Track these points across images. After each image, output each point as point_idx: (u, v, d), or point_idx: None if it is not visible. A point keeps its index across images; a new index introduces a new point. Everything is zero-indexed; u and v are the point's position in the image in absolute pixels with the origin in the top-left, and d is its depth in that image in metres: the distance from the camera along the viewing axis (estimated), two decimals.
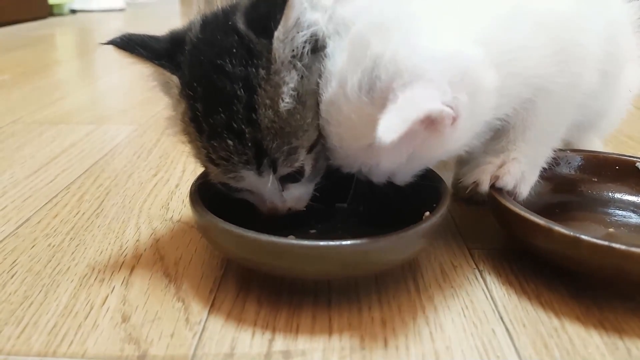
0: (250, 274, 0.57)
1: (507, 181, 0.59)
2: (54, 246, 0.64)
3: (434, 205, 0.55)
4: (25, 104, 1.30)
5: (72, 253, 0.62)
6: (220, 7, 0.57)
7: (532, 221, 0.54)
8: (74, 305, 0.53)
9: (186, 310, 0.52)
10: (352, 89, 0.49)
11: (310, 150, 0.54)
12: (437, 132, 0.47)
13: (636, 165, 0.69)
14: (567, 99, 0.59)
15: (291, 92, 0.51)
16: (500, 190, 0.59)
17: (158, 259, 0.61)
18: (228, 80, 0.50)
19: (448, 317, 0.51)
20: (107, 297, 0.54)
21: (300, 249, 0.49)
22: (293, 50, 0.52)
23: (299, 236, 0.56)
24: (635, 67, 0.69)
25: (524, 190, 0.60)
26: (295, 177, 0.56)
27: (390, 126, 0.42)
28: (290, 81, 0.52)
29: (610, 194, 0.69)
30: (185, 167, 0.89)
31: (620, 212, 0.66)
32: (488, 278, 0.57)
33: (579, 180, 0.70)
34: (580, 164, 0.70)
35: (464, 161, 0.64)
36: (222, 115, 0.50)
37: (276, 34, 0.50)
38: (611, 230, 0.63)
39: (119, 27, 3.21)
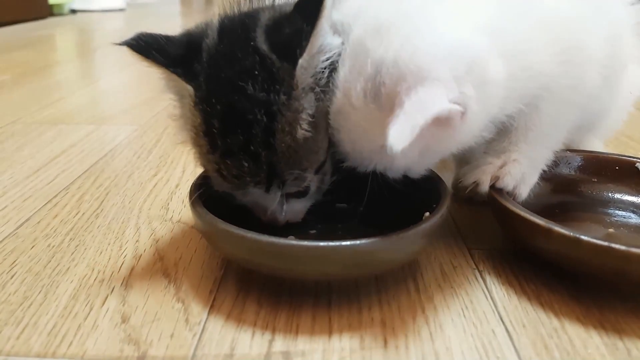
0: (250, 274, 0.57)
1: (507, 182, 0.59)
2: (53, 247, 0.64)
3: (434, 205, 0.55)
4: (25, 105, 1.30)
5: (72, 253, 0.62)
6: (237, 12, 0.57)
7: (532, 222, 0.54)
8: (73, 306, 0.53)
9: (186, 310, 0.52)
10: (358, 98, 0.49)
11: (317, 171, 0.55)
12: (447, 127, 0.47)
13: (636, 165, 0.69)
14: (569, 101, 0.59)
15: (309, 118, 0.51)
16: (500, 190, 0.59)
17: (158, 259, 0.61)
18: (249, 103, 0.50)
19: (448, 318, 0.51)
20: (106, 297, 0.54)
21: (300, 250, 0.49)
22: (314, 76, 0.52)
23: (299, 236, 0.56)
24: (637, 69, 0.69)
25: (524, 192, 0.60)
26: (299, 194, 0.56)
27: (400, 134, 0.42)
28: (308, 107, 0.51)
29: (610, 194, 0.69)
30: (185, 167, 0.89)
31: (620, 213, 0.66)
32: (488, 278, 0.57)
33: (579, 180, 0.70)
34: (580, 164, 0.70)
35: (464, 161, 0.64)
36: (240, 136, 0.50)
37: (301, 61, 0.50)
38: (611, 230, 0.63)
39: (119, 27, 3.22)
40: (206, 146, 0.53)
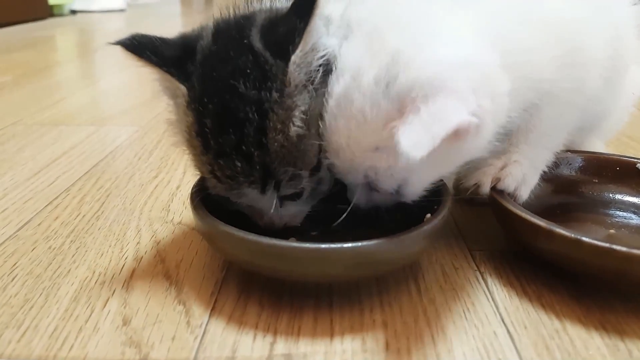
0: (251, 276, 0.57)
1: (508, 183, 0.59)
2: (54, 249, 0.64)
3: (435, 207, 0.55)
4: (26, 106, 1.30)
5: (73, 256, 0.62)
6: (232, 15, 0.57)
7: (533, 223, 0.54)
8: (74, 309, 0.53)
9: (187, 313, 0.52)
10: (368, 82, 0.48)
11: (311, 174, 0.54)
12: (458, 140, 0.46)
13: (637, 166, 0.68)
14: (571, 103, 0.58)
15: (302, 115, 0.51)
16: (501, 191, 0.59)
17: (159, 261, 0.61)
18: (241, 102, 0.50)
19: (449, 319, 0.51)
20: (107, 300, 0.54)
21: (302, 252, 0.49)
22: (307, 74, 0.51)
23: (300, 238, 0.56)
24: (639, 70, 0.69)
25: (524, 193, 0.60)
26: (294, 196, 0.56)
27: (418, 142, 0.42)
28: (301, 105, 0.51)
29: (611, 195, 0.69)
30: (186, 168, 0.89)
31: (621, 213, 0.66)
32: (489, 280, 0.57)
33: (580, 181, 0.70)
34: (580, 165, 0.70)
35: (465, 163, 0.64)
36: (232, 136, 0.50)
37: (293, 57, 0.50)
38: (612, 231, 0.63)
39: (119, 27, 3.21)
40: (199, 147, 0.53)
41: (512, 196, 0.59)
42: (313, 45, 0.51)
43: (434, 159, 0.48)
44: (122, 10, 3.85)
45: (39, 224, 0.70)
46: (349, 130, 0.50)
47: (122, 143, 1.03)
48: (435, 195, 0.57)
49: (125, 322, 0.51)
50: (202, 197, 0.56)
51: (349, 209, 0.55)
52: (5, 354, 0.47)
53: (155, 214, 0.73)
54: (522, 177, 0.59)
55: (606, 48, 0.59)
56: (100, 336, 0.49)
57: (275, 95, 0.50)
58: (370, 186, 0.53)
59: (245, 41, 0.52)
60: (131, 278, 0.58)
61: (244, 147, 0.50)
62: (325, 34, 0.53)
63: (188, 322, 0.51)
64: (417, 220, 0.54)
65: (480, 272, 0.59)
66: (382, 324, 0.50)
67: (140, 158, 0.94)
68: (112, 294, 0.55)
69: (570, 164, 0.70)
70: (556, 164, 0.65)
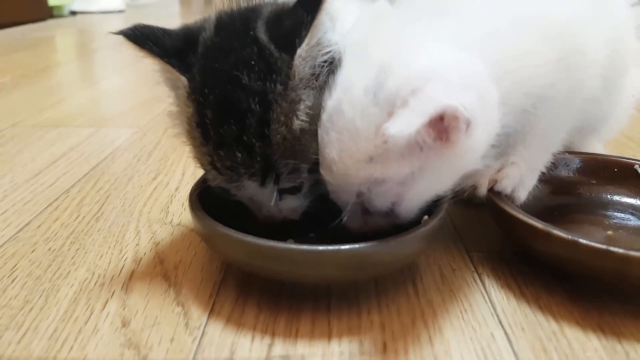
0: (249, 277, 0.57)
1: (505, 185, 0.59)
2: (54, 250, 0.64)
3: (433, 208, 0.55)
4: (25, 107, 1.30)
5: (72, 257, 0.62)
6: (236, 8, 0.56)
7: (530, 225, 0.54)
8: (74, 310, 0.53)
9: (186, 314, 0.52)
10: (358, 94, 0.48)
11: (310, 170, 0.53)
12: (449, 143, 0.46)
13: (635, 167, 0.69)
14: (568, 105, 0.58)
15: (307, 110, 0.51)
16: (499, 193, 0.59)
17: (158, 262, 0.61)
18: (243, 93, 0.50)
19: (447, 321, 0.51)
20: (107, 301, 0.54)
21: (300, 253, 0.49)
22: (312, 69, 0.51)
23: (298, 239, 0.57)
24: (638, 72, 0.69)
25: (522, 195, 0.60)
26: (293, 190, 0.56)
27: (404, 121, 0.41)
28: (306, 99, 0.51)
29: (609, 196, 0.69)
30: (185, 170, 0.89)
31: (619, 215, 0.67)
32: (487, 281, 0.58)
33: (578, 182, 0.70)
34: (578, 166, 0.71)
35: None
36: (233, 127, 0.50)
37: (299, 50, 0.50)
38: (610, 232, 0.63)
39: (118, 28, 3.21)
40: (199, 138, 0.52)
41: (510, 198, 0.59)
42: (319, 40, 0.51)
43: (428, 172, 0.49)
44: (121, 11, 3.86)
45: (38, 226, 0.70)
46: (341, 143, 0.49)
47: (122, 144, 1.03)
48: None
49: (125, 323, 0.51)
50: (200, 199, 0.57)
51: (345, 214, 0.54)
52: (5, 356, 0.47)
53: (154, 216, 0.73)
54: (520, 179, 0.59)
55: (605, 48, 0.59)
56: (99, 337, 0.49)
57: (279, 87, 0.50)
58: (364, 207, 0.52)
59: (250, 32, 0.52)
60: (130, 279, 0.58)
61: (245, 138, 0.50)
62: (330, 29, 0.52)
63: (186, 324, 0.51)
64: (415, 222, 0.54)
65: (477, 274, 0.59)
66: (379, 325, 0.51)
67: (139, 160, 0.94)
68: (112, 296, 0.55)
69: (568, 165, 0.70)
70: (554, 165, 0.65)
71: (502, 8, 0.55)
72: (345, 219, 0.53)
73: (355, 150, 0.48)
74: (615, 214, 0.67)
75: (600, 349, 0.48)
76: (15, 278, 0.58)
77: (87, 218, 0.72)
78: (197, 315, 0.52)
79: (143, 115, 1.22)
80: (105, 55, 2.18)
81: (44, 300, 0.55)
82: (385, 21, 0.53)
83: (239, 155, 0.50)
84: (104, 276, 0.59)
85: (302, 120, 0.51)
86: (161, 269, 0.60)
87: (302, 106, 0.51)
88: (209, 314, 0.52)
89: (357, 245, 0.49)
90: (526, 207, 0.59)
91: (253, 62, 0.50)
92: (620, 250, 0.49)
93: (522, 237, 0.57)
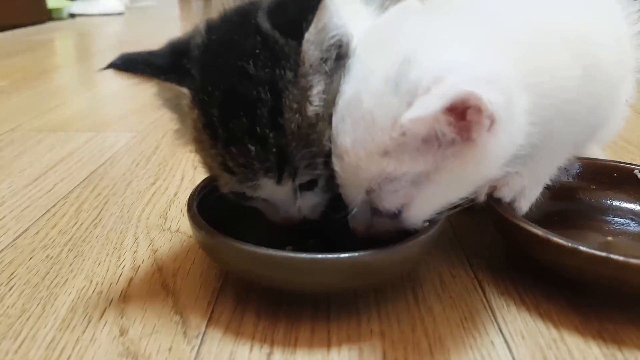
0: (248, 285, 0.57)
1: (505, 193, 0.58)
2: (52, 258, 0.64)
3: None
4: (23, 111, 1.30)
5: (70, 265, 0.62)
6: (231, 7, 0.55)
7: (529, 231, 0.53)
8: (71, 319, 0.53)
9: (184, 323, 0.52)
10: (378, 82, 0.46)
11: (325, 162, 0.51)
12: (469, 142, 0.44)
13: (634, 172, 0.68)
14: (583, 120, 0.57)
15: (320, 95, 0.50)
16: (499, 200, 0.59)
17: (156, 270, 0.61)
18: (251, 83, 0.48)
19: (447, 329, 0.51)
20: (105, 310, 0.54)
21: (299, 262, 0.49)
22: (321, 53, 0.50)
23: (297, 247, 0.56)
24: (631, 77, 0.69)
25: (524, 207, 0.59)
26: (311, 185, 0.54)
27: (422, 106, 0.40)
28: (318, 84, 0.50)
29: (608, 201, 0.69)
30: (184, 174, 0.89)
31: (618, 220, 0.66)
32: (487, 288, 0.57)
33: (577, 187, 0.70)
34: (578, 171, 0.70)
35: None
36: (243, 119, 0.48)
37: (307, 35, 0.48)
38: (610, 238, 0.63)
39: (118, 31, 3.22)
40: (208, 140, 0.50)
41: (510, 206, 0.59)
42: (325, 23, 0.49)
43: (443, 174, 0.47)
44: (120, 14, 3.86)
45: (36, 233, 0.70)
46: (355, 132, 0.47)
47: (120, 149, 1.03)
48: None
49: (123, 332, 0.51)
50: (199, 206, 0.56)
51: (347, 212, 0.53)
52: None
53: (153, 222, 0.73)
54: (521, 189, 0.58)
55: (619, 62, 0.59)
56: (97, 347, 0.49)
57: (289, 74, 0.48)
58: (371, 207, 0.51)
59: (251, 22, 0.51)
60: (128, 287, 0.58)
61: (257, 129, 0.48)
62: (335, 14, 0.50)
63: (185, 333, 0.51)
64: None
65: (478, 281, 0.59)
66: (379, 333, 0.50)
67: (138, 164, 0.94)
68: (109, 304, 0.55)
69: (568, 170, 0.70)
70: None
71: (534, 21, 0.53)
72: (351, 217, 0.52)
73: (369, 141, 0.46)
74: (615, 219, 0.67)
75: (601, 357, 0.48)
76: (13, 286, 0.58)
77: (85, 224, 0.72)
78: (196, 323, 0.52)
79: (142, 119, 1.22)
80: (104, 58, 2.16)
81: (41, 308, 0.54)
82: (414, 16, 0.52)
83: (252, 148, 0.48)
84: (102, 284, 0.58)
85: (316, 106, 0.49)
86: (159, 276, 0.60)
87: (314, 91, 0.49)
88: (207, 323, 0.52)
89: (356, 254, 0.48)
90: (526, 214, 0.59)
91: (258, 51, 0.49)
92: (621, 258, 0.48)
93: (522, 244, 0.57)
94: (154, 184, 0.86)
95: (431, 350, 0.48)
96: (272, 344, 0.49)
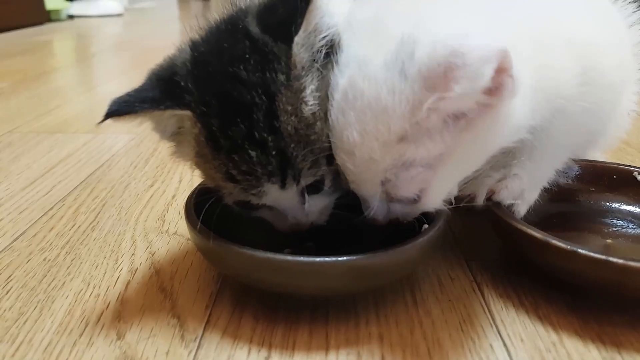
0: (246, 288, 0.57)
1: (504, 196, 0.58)
2: (49, 260, 0.63)
3: (432, 217, 0.55)
4: (22, 113, 1.30)
5: (68, 268, 0.62)
6: (220, 17, 0.55)
7: (529, 234, 0.53)
8: (69, 322, 0.52)
9: (182, 327, 0.52)
10: (378, 68, 0.44)
11: (328, 161, 0.51)
12: (489, 107, 0.42)
13: (634, 175, 0.68)
14: (582, 123, 0.57)
15: (314, 93, 0.49)
16: (498, 203, 0.59)
17: (153, 273, 0.61)
18: (244, 87, 0.48)
19: (445, 332, 0.51)
20: (102, 313, 0.54)
21: (297, 265, 0.49)
22: (312, 55, 0.50)
23: (295, 249, 0.56)
24: (633, 89, 0.69)
25: (522, 209, 0.59)
26: (316, 187, 0.53)
27: (469, 79, 0.38)
28: (311, 83, 0.49)
29: (608, 203, 0.68)
30: (182, 177, 0.88)
31: (618, 222, 0.66)
32: (486, 291, 0.57)
33: (577, 189, 0.69)
34: (577, 173, 0.70)
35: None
36: (241, 125, 0.48)
37: (296, 39, 0.48)
38: (609, 241, 0.63)
39: (117, 32, 3.22)
40: (210, 152, 0.50)
41: (509, 209, 0.59)
42: (316, 25, 0.49)
43: (461, 150, 0.46)
44: (119, 15, 3.85)
45: (34, 235, 0.70)
46: (363, 124, 0.45)
47: (119, 151, 1.03)
48: None
49: (120, 336, 0.50)
50: (197, 209, 0.56)
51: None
52: None
53: (151, 224, 0.72)
54: (520, 192, 0.58)
55: (619, 68, 0.59)
56: (94, 350, 0.49)
57: (281, 77, 0.48)
58: (388, 196, 0.50)
59: (240, 26, 0.50)
60: (126, 290, 0.57)
61: (256, 134, 0.48)
62: (327, 13, 0.50)
63: (182, 336, 0.50)
64: (414, 231, 0.53)
65: (476, 283, 0.58)
66: (377, 336, 0.50)
67: (136, 167, 0.94)
68: (107, 307, 0.55)
69: (567, 172, 0.70)
70: None
71: (534, 18, 0.52)
72: (368, 212, 0.51)
73: (382, 130, 0.45)
74: (615, 221, 0.66)
75: None
76: (10, 289, 0.58)
77: (83, 227, 0.72)
78: (193, 327, 0.52)
79: None
80: (103, 59, 2.18)
81: (38, 312, 0.54)
82: (399, 3, 0.50)
83: (253, 154, 0.48)
84: (99, 287, 0.58)
85: (311, 105, 0.49)
86: (157, 279, 0.59)
87: (308, 91, 0.49)
88: (205, 326, 0.52)
89: (354, 257, 0.48)
90: (525, 216, 0.59)
91: (247, 56, 0.48)
92: (620, 260, 0.48)
93: (521, 247, 0.56)
94: (152, 186, 0.85)
95: (430, 353, 0.48)
96: (270, 347, 0.49)
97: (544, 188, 0.62)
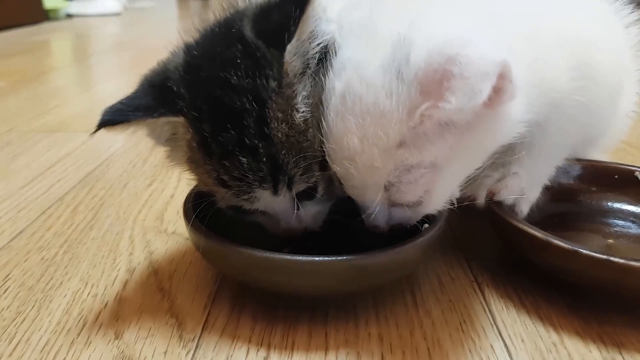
0: (245, 288, 0.56)
1: (504, 196, 0.58)
2: (47, 260, 0.63)
3: (432, 217, 0.54)
4: (21, 112, 1.30)
5: (66, 267, 0.62)
6: (216, 19, 0.54)
7: (530, 234, 0.53)
8: (66, 322, 0.52)
9: (180, 326, 0.51)
10: (375, 72, 0.44)
11: (322, 167, 0.51)
12: (491, 109, 0.41)
13: (635, 174, 0.68)
14: (577, 119, 0.57)
15: (305, 100, 0.49)
16: (498, 202, 0.58)
17: (152, 272, 0.60)
18: (235, 93, 0.47)
19: (446, 332, 0.50)
20: (100, 312, 0.53)
21: (296, 265, 0.49)
22: (304, 63, 0.49)
23: (294, 249, 0.56)
24: (631, 89, 0.69)
25: (524, 209, 0.59)
26: (309, 194, 0.53)
27: (466, 91, 0.38)
28: (303, 90, 0.49)
29: (609, 203, 0.68)
30: (180, 176, 0.88)
31: (619, 223, 0.66)
32: (486, 291, 0.57)
33: (578, 189, 0.69)
34: (579, 173, 0.70)
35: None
36: (232, 131, 0.47)
37: (289, 47, 0.48)
38: (610, 241, 0.63)
39: (116, 31, 3.21)
40: (202, 157, 0.50)
41: (511, 209, 0.58)
42: (310, 33, 0.49)
43: (462, 150, 0.46)
44: (118, 14, 3.85)
45: (32, 234, 0.69)
46: (363, 129, 0.44)
47: (117, 150, 1.02)
48: None
49: (118, 335, 0.50)
50: (195, 209, 0.56)
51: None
52: None
53: (149, 224, 0.72)
54: (521, 191, 0.58)
55: (616, 67, 0.58)
56: (92, 350, 0.48)
57: (273, 83, 0.47)
58: (389, 200, 0.50)
59: (234, 30, 0.50)
60: (124, 290, 0.57)
61: (247, 141, 0.47)
62: (323, 19, 0.49)
63: (180, 336, 0.50)
64: (414, 231, 0.53)
65: (477, 283, 0.58)
66: (377, 337, 0.50)
67: (134, 166, 0.94)
68: (105, 307, 0.54)
69: (568, 172, 0.69)
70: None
71: (528, 15, 0.52)
72: (367, 217, 0.50)
73: (382, 135, 0.44)
74: (616, 221, 0.66)
75: None
76: (8, 288, 0.57)
77: (81, 226, 0.71)
78: (192, 327, 0.51)
79: None
80: (101, 59, 2.17)
81: (36, 311, 0.54)
82: (393, 4, 0.49)
83: (244, 160, 0.47)
84: (97, 287, 0.58)
85: (303, 112, 0.48)
86: (155, 279, 0.59)
87: (299, 98, 0.49)
88: (203, 326, 0.51)
89: (353, 257, 0.48)
90: (526, 216, 0.58)
91: (239, 61, 0.48)
92: (621, 260, 0.48)
93: (522, 246, 0.56)
94: (150, 185, 0.85)
95: (430, 354, 0.48)
96: (268, 347, 0.49)
97: (545, 187, 0.62)
